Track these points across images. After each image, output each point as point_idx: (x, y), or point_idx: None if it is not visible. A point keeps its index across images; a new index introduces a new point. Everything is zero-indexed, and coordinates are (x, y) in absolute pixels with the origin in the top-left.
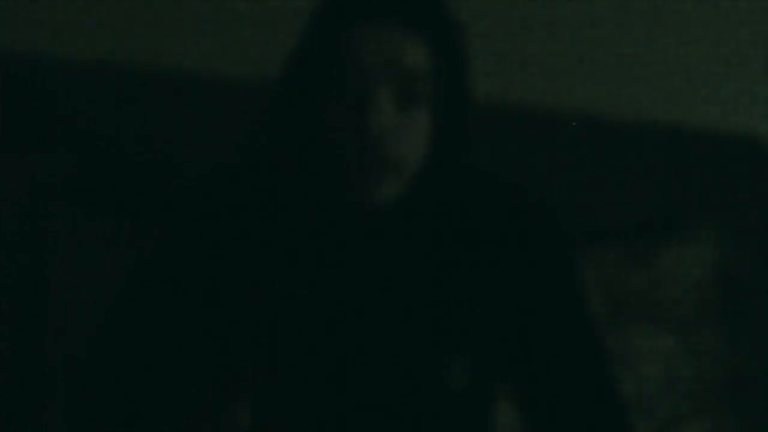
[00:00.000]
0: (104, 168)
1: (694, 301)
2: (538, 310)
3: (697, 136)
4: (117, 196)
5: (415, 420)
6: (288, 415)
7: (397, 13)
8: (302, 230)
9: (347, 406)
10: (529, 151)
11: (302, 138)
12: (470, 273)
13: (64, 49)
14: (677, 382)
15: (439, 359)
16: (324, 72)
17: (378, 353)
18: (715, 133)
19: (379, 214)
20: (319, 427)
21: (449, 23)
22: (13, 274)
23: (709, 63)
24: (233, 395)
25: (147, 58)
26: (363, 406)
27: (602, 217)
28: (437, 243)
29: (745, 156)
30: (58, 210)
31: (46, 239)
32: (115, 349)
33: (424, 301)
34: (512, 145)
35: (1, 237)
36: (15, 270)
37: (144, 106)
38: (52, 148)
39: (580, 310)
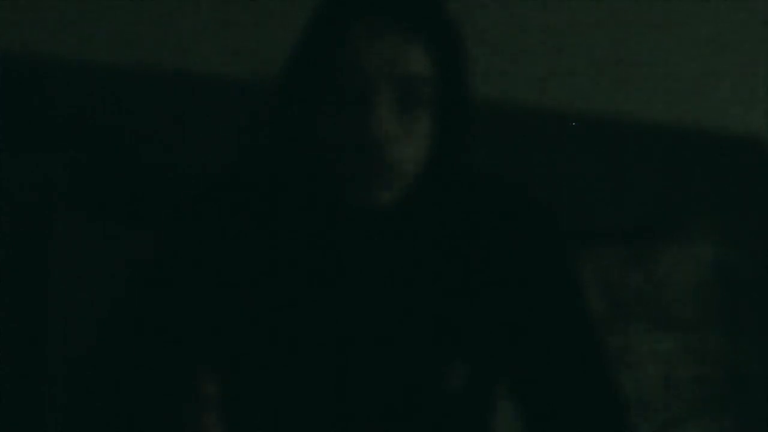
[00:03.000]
0: (104, 168)
1: (693, 301)
2: (537, 311)
3: (697, 136)
4: (117, 196)
5: (414, 421)
6: (287, 417)
7: (396, 17)
8: (303, 233)
9: (346, 407)
10: (529, 151)
11: (303, 141)
12: (469, 274)
13: (64, 49)
14: (676, 383)
15: (438, 360)
16: (324, 76)
17: (377, 354)
18: (715, 133)
19: (380, 216)
20: (318, 428)
21: (449, 26)
22: (13, 274)
23: (709, 63)
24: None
25: (147, 58)
26: (362, 407)
27: (602, 217)
28: (437, 244)
29: (745, 156)
30: (57, 210)
31: (45, 239)
32: (116, 348)
33: (424, 302)
34: (512, 145)
35: (0, 237)
36: (15, 270)
37: (144, 106)
38: (52, 148)
39: (579, 310)
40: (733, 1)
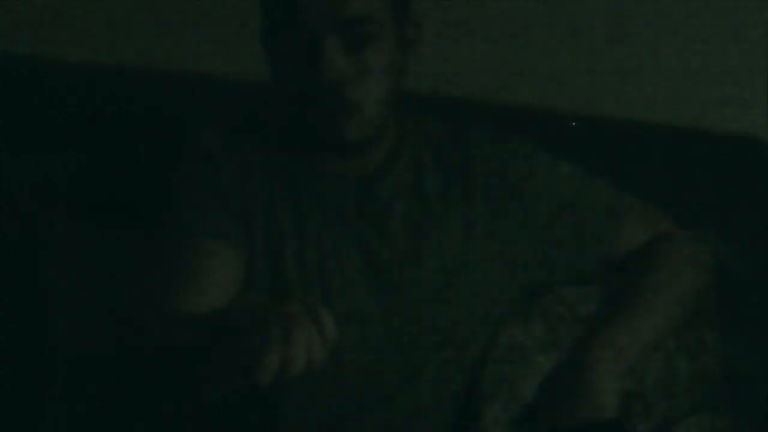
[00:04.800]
0: (104, 169)
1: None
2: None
3: (697, 136)
4: (117, 196)
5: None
6: None
7: None
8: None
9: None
10: None
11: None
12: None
13: (64, 49)
14: (675, 380)
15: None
16: (280, 31)
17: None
18: (715, 133)
19: (366, 180)
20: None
21: None
22: (13, 273)
23: (709, 63)
24: None
25: (147, 58)
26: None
27: None
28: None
29: (745, 156)
30: (57, 210)
31: (45, 239)
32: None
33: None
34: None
35: (0, 237)
36: (15, 270)
37: (144, 106)
38: (52, 148)
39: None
40: (734, 1)
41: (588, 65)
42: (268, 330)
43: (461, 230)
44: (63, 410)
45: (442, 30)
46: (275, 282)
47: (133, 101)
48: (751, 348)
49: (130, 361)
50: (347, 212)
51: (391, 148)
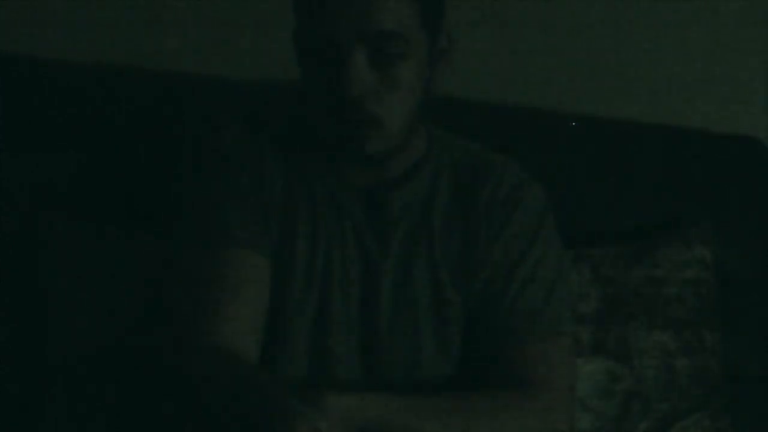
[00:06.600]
0: (104, 169)
1: (692, 299)
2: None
3: (696, 136)
4: (117, 196)
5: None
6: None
7: None
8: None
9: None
10: (529, 151)
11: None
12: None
13: (64, 49)
14: (675, 379)
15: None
16: (307, 39)
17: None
18: (715, 133)
19: (384, 190)
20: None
21: None
22: (13, 273)
23: (709, 63)
24: None
25: (147, 58)
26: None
27: (602, 217)
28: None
29: (744, 156)
30: (58, 210)
31: (45, 239)
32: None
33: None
34: (512, 145)
35: (0, 237)
36: (15, 270)
37: (144, 106)
38: (52, 148)
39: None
40: (733, 2)
41: (588, 65)
42: None
43: (455, 258)
44: (63, 410)
45: None
46: (283, 286)
47: (133, 101)
48: (751, 348)
49: (130, 361)
50: (357, 220)
51: (413, 163)
